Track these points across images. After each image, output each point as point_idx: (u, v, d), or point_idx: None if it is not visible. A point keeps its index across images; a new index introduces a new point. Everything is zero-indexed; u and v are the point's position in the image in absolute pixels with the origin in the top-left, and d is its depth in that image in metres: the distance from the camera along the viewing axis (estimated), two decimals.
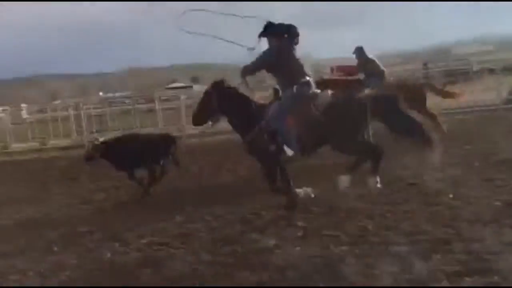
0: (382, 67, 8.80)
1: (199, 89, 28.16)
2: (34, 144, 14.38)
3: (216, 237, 4.35)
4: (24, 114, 18.30)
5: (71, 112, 15.76)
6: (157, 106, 15.41)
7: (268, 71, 5.15)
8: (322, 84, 7.62)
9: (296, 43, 5.06)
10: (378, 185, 4.86)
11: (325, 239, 3.97)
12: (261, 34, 5.04)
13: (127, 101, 24.73)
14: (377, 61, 8.82)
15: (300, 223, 4.44)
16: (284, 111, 4.92)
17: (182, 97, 15.55)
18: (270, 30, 5.04)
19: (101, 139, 6.68)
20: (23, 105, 19.10)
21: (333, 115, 4.85)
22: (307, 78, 4.97)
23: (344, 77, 9.74)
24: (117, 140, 6.74)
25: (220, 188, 6.49)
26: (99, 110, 17.18)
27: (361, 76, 8.93)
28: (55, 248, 4.44)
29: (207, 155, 9.25)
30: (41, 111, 18.53)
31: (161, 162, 6.37)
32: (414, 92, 7.91)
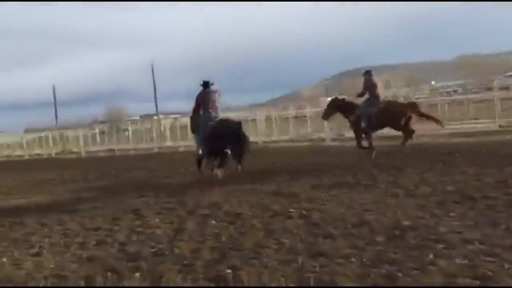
0: (377, 91, 10.67)
1: None
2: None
3: None
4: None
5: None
6: (495, 95, 13.94)
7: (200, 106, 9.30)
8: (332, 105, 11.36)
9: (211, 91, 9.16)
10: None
11: None
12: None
13: (459, 90, 23.45)
14: (376, 83, 10.76)
15: None
16: (200, 127, 9.24)
17: None
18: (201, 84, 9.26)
19: None
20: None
21: (214, 133, 8.70)
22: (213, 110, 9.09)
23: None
24: None
25: None
26: (429, 100, 16.79)
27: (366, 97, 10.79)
28: (378, 239, 4.47)
29: None
30: None
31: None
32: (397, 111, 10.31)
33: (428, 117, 10.75)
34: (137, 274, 4.06)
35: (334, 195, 6.64)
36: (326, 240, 4.57)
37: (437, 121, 10.87)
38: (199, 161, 9.53)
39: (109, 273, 4.12)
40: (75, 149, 23.38)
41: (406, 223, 4.88)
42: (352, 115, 10.79)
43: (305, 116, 19.18)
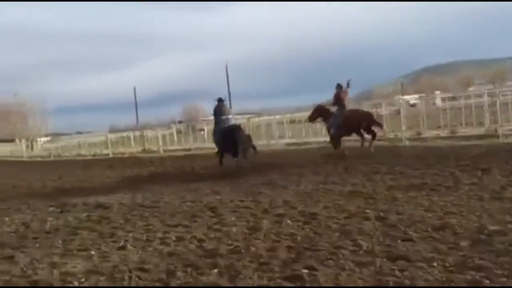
0: (344, 102, 12.53)
1: None
2: (444, 131, 14.56)
3: None
4: (438, 101, 18.72)
5: (485, 99, 15.07)
6: None
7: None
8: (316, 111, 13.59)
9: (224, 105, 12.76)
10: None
11: None
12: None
13: None
14: (343, 97, 12.47)
15: None
16: (216, 131, 12.67)
17: None
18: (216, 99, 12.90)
19: None
20: (436, 92, 19.63)
21: (220, 137, 12.10)
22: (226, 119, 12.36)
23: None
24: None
25: None
26: None
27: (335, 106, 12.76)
28: (462, 244, 4.26)
29: None
30: (454, 98, 18.55)
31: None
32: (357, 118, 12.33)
33: (379, 126, 12.63)
34: (215, 271, 4.17)
35: (412, 197, 6.42)
36: (405, 243, 4.43)
37: (381, 129, 12.82)
38: (219, 157, 12.44)
39: (189, 269, 4.27)
40: (154, 148, 24.38)
41: (492, 227, 4.62)
42: (327, 122, 13.02)
43: (381, 115, 18.69)
